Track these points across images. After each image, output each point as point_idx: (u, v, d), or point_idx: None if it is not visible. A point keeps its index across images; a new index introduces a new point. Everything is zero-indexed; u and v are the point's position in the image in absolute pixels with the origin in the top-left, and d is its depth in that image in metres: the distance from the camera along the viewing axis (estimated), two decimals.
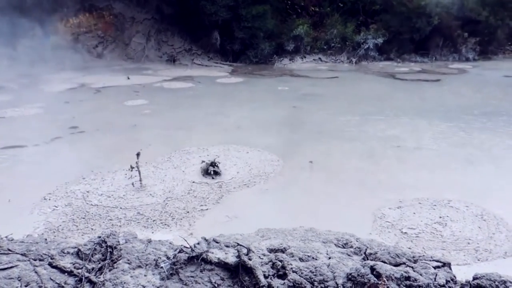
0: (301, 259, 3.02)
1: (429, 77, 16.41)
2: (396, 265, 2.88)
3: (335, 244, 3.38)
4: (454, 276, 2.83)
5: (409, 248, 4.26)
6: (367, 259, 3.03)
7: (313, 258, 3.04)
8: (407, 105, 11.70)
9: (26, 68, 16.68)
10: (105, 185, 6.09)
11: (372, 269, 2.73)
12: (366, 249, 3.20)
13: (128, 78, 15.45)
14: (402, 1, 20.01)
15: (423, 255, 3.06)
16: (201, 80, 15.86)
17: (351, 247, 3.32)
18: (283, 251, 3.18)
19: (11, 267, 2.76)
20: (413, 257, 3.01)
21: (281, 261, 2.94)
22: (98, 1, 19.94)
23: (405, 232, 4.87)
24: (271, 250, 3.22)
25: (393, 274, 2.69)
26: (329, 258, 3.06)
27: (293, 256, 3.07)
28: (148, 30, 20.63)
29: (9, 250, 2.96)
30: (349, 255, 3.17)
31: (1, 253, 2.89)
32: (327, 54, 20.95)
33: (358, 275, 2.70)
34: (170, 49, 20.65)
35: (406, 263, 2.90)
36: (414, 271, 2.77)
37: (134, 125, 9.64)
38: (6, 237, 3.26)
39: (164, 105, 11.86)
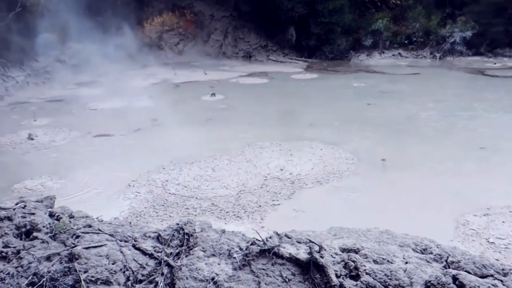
0: (375, 261, 2.92)
1: None
2: (482, 276, 2.66)
3: (412, 249, 3.21)
4: None
5: (497, 260, 3.91)
6: (449, 268, 2.84)
7: (388, 261, 2.92)
8: (496, 104, 10.71)
9: (115, 65, 18.04)
10: (182, 176, 6.40)
11: (455, 278, 2.55)
12: (448, 257, 3.00)
13: (206, 74, 16.04)
14: None
15: None
16: (275, 76, 15.95)
17: (431, 253, 3.14)
18: (356, 251, 3.10)
19: (101, 245, 3.02)
20: (503, 269, 2.76)
21: (354, 261, 2.87)
22: (181, 0, 20.92)
23: (492, 242, 4.47)
24: (343, 250, 3.15)
25: (478, 286, 2.48)
26: (406, 263, 2.91)
27: (367, 258, 2.97)
28: (226, 27, 21.22)
29: (99, 230, 3.24)
30: (428, 262, 3.00)
31: (93, 232, 3.18)
32: (408, 49, 19.90)
33: (438, 283, 2.54)
34: (246, 45, 21.04)
35: (494, 276, 2.66)
36: (503, 285, 2.53)
37: (209, 119, 9.98)
38: (97, 218, 3.57)
39: (239, 100, 12.13)
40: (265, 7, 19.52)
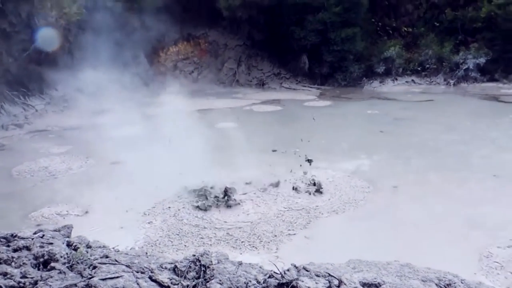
0: None
1: None
2: None
3: (436, 284, 3.11)
4: None
5: None
6: None
7: None
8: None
9: (132, 93, 18.45)
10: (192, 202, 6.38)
11: None
12: None
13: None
14: (509, 17, 18.30)
15: None
16: (289, 103, 16.07)
17: None
18: (377, 286, 3.01)
19: (118, 277, 2.99)
20: None
21: None
22: (196, 30, 21.48)
23: None
24: (364, 284, 3.06)
25: None
26: None
27: None
28: (240, 55, 21.61)
29: (116, 261, 3.22)
30: None
31: (110, 263, 3.16)
32: (421, 76, 19.90)
33: None
34: (260, 73, 21.34)
35: None
36: None
37: (221, 146, 10.02)
38: (113, 248, 3.56)
39: (253, 128, 12.19)
40: (278, 35, 19.89)
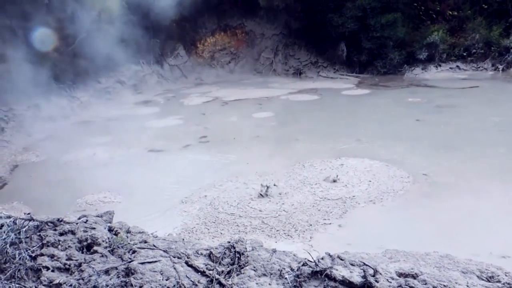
0: None
1: None
2: None
3: (477, 276, 2.99)
4: None
5: None
6: None
7: None
8: None
9: (171, 84, 18.86)
10: (234, 194, 6.47)
11: None
12: None
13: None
14: None
15: None
16: (326, 92, 15.83)
17: (499, 281, 2.90)
18: (414, 276, 2.94)
19: (155, 261, 3.11)
20: None
21: (412, 287, 2.73)
22: (232, 21, 21.50)
23: None
24: (400, 274, 3.00)
25: None
26: None
27: (426, 284, 2.81)
28: (276, 45, 21.45)
29: (154, 246, 3.34)
30: None
31: (148, 248, 3.28)
32: (466, 62, 18.94)
33: None
34: (297, 62, 21.11)
35: None
36: None
37: (257, 136, 10.05)
38: (152, 233, 3.69)
39: (289, 118, 12.13)
40: (315, 23, 19.54)
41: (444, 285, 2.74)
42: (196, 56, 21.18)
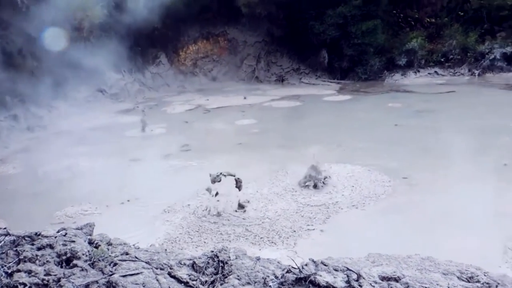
0: None
1: None
2: None
3: (457, 277, 3.03)
4: None
5: None
6: None
7: None
8: None
9: (153, 92, 18.74)
10: (215, 201, 6.42)
11: None
12: (497, 286, 2.82)
13: (245, 98, 16.20)
14: None
15: None
16: (308, 98, 15.96)
17: (478, 281, 2.95)
18: (397, 280, 2.96)
19: (137, 273, 3.05)
20: None
21: None
22: (215, 28, 21.54)
23: None
24: (383, 278, 3.02)
25: None
26: None
27: (408, 286, 2.83)
28: (259, 52, 21.57)
29: (136, 257, 3.28)
30: None
31: (130, 260, 3.22)
32: (444, 67, 19.39)
33: None
34: (279, 69, 21.25)
35: None
36: None
37: (239, 143, 10.04)
38: (133, 245, 3.62)
39: (272, 124, 12.17)
40: (297, 31, 19.73)
41: (426, 287, 2.77)
42: (179, 64, 21.11)
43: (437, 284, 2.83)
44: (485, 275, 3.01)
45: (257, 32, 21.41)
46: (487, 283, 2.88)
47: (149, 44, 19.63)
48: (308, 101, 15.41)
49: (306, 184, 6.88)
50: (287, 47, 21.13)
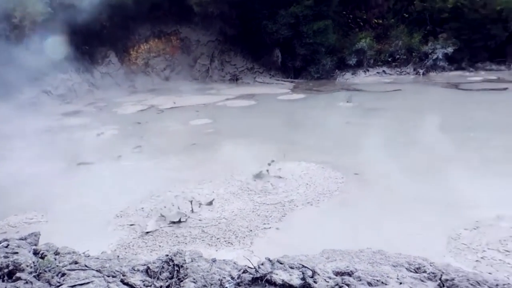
0: (369, 284, 2.87)
1: (496, 86, 15.40)
2: None
3: (406, 268, 3.18)
4: None
5: (490, 274, 3.89)
6: (443, 286, 2.80)
7: (382, 282, 2.88)
8: (465, 117, 11.29)
9: (102, 93, 18.07)
10: (170, 203, 6.30)
11: None
12: (441, 275, 2.97)
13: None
14: (474, 7, 18.83)
15: (508, 283, 2.77)
16: (262, 97, 16.07)
17: (425, 271, 3.10)
18: (350, 274, 3.05)
19: (87, 283, 2.92)
20: (497, 285, 2.74)
21: (348, 285, 2.82)
22: (167, 27, 21.12)
23: (485, 256, 4.46)
24: (337, 273, 3.10)
25: None
26: (400, 283, 2.87)
27: (360, 280, 2.93)
28: (212, 51, 21.42)
29: (86, 266, 3.14)
30: (422, 281, 2.96)
31: (79, 269, 3.08)
32: (391, 67, 20.27)
33: None
34: (233, 68, 21.23)
35: None
36: None
37: (194, 143, 9.92)
38: (83, 253, 3.47)
39: (226, 124, 12.14)
40: (250, 30, 19.81)
41: (377, 280, 2.87)
42: (130, 63, 20.51)
43: (388, 276, 2.95)
44: (431, 265, 3.17)
45: (210, 31, 21.25)
46: (433, 273, 3.03)
47: (98, 43, 18.90)
48: (262, 100, 15.52)
49: (258, 183, 6.92)
50: (241, 46, 21.16)
